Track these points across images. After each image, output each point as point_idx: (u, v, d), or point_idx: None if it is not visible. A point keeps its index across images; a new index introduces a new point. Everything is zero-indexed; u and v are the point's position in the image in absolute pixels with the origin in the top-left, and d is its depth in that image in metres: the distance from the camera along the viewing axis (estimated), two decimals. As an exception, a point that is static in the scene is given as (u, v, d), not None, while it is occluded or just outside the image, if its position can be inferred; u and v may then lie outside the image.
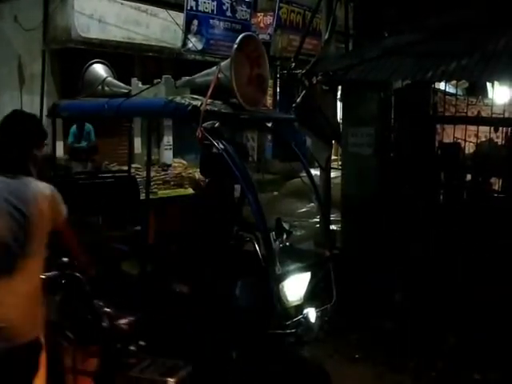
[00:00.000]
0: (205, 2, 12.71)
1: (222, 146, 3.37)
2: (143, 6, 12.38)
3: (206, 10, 12.82)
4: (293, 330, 3.41)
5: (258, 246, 3.73)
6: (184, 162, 12.97)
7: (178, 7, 12.50)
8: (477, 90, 9.12)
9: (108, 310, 3.04)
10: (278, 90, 15.69)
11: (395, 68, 5.67)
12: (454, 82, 6.45)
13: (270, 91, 13.73)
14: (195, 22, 12.61)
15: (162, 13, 12.54)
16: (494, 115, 6.54)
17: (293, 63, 6.62)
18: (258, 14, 14.96)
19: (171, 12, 12.50)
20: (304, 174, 4.18)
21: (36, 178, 2.74)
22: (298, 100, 6.08)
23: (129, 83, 4.44)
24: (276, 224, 3.80)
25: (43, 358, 2.78)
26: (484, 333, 4.88)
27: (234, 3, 13.58)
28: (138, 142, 12.09)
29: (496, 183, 6.74)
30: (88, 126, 10.42)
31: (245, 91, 3.64)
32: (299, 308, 3.54)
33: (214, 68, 3.71)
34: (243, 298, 3.61)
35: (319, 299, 3.78)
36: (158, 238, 4.15)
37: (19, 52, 12.19)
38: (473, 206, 5.82)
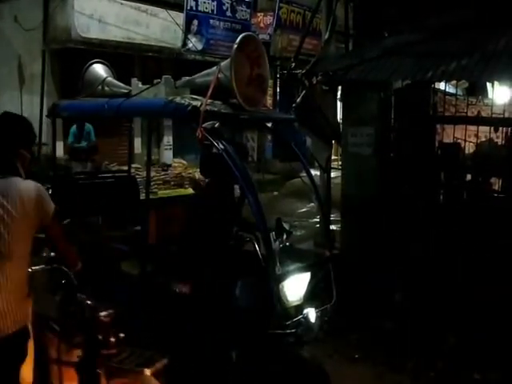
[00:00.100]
0: (205, 2, 12.72)
1: (221, 146, 3.38)
2: (143, 6, 12.38)
3: (206, 10, 12.83)
4: (293, 330, 3.42)
5: (258, 246, 3.73)
6: (184, 162, 12.97)
7: (178, 7, 12.51)
8: (477, 90, 9.12)
9: (89, 302, 3.11)
10: (278, 90, 15.69)
11: (395, 68, 5.67)
12: (453, 82, 6.45)
13: (269, 91, 13.73)
14: (195, 22, 12.62)
15: (161, 13, 12.54)
16: (493, 115, 6.54)
17: (293, 63, 6.62)
18: (258, 14, 14.96)
19: (171, 12, 12.50)
20: (304, 174, 4.18)
21: (24, 178, 2.80)
22: (298, 100, 6.08)
23: (129, 83, 4.45)
24: (276, 224, 3.80)
25: (30, 348, 2.89)
26: (484, 333, 4.88)
27: (234, 3, 13.59)
28: (137, 142, 12.10)
29: (496, 183, 6.73)
30: (88, 126, 10.41)
31: (245, 91, 3.64)
32: (299, 308, 3.54)
33: (214, 68, 3.72)
34: (243, 298, 3.61)
35: (319, 299, 3.78)
36: (157, 238, 4.15)
37: (19, 52, 12.20)
38: (473, 206, 5.81)
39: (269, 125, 4.54)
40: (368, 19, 6.86)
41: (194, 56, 13.01)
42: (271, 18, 14.83)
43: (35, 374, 3.18)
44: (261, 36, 13.68)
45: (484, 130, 6.65)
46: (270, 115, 4.51)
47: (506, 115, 6.44)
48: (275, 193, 13.15)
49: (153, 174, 10.22)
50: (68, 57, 11.55)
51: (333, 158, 8.20)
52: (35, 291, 2.92)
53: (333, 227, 6.95)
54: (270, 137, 14.75)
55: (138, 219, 4.56)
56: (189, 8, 12.32)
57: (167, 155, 13.59)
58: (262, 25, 14.96)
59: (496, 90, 7.07)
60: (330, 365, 4.01)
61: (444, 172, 6.27)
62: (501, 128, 7.43)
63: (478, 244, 5.45)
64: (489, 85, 8.89)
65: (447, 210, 5.97)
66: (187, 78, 4.10)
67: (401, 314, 5.38)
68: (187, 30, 12.48)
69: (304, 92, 6.09)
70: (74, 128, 10.40)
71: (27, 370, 2.91)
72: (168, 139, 13.65)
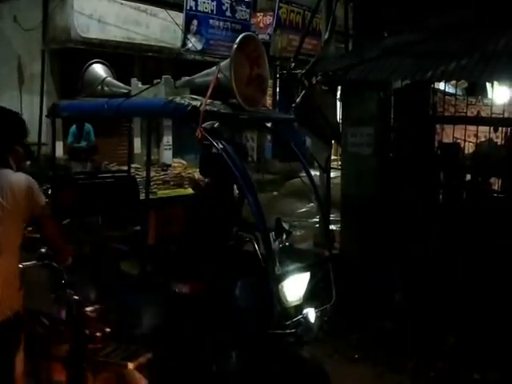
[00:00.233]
0: (204, 2, 12.71)
1: (221, 146, 3.38)
2: (143, 6, 12.38)
3: (206, 10, 12.82)
4: (292, 330, 3.42)
5: (258, 246, 3.73)
6: (184, 162, 12.97)
7: (178, 7, 12.51)
8: (476, 90, 9.12)
9: (77, 297, 3.16)
10: (278, 90, 15.68)
11: (395, 68, 5.67)
12: (453, 82, 6.45)
13: (269, 91, 13.72)
14: (195, 21, 12.61)
15: (161, 13, 12.54)
16: (493, 115, 6.54)
17: (292, 63, 6.62)
18: (258, 14, 14.95)
19: (171, 12, 12.50)
20: (304, 174, 4.18)
21: (16, 170, 2.83)
22: (298, 100, 6.07)
23: (128, 83, 4.45)
24: (276, 224, 3.80)
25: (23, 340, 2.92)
26: (484, 333, 4.88)
27: (234, 3, 13.58)
28: (137, 142, 12.09)
29: (495, 183, 6.73)
30: (88, 126, 10.40)
31: (244, 91, 3.64)
32: (299, 308, 3.54)
33: (214, 68, 3.72)
34: (243, 298, 3.61)
35: (319, 299, 3.78)
36: (157, 238, 4.15)
37: (19, 52, 12.19)
38: (472, 206, 5.82)
39: (268, 125, 4.54)
40: (368, 19, 6.86)
41: (194, 56, 13.01)
42: (271, 17, 14.83)
43: (26, 368, 3.20)
44: (260, 36, 13.67)
45: (483, 129, 6.66)
46: (269, 115, 4.51)
47: (506, 115, 6.45)
48: (275, 193, 13.14)
49: (152, 174, 10.20)
50: (68, 57, 11.54)
51: (332, 157, 8.20)
52: (26, 286, 2.94)
53: (332, 227, 6.94)
54: (269, 137, 14.75)
55: (138, 219, 4.56)
56: (188, 8, 12.32)
57: (167, 155, 13.58)
58: (261, 25, 14.96)
59: (495, 90, 7.08)
60: (329, 365, 4.01)
61: (443, 172, 6.28)
62: (500, 128, 7.44)
63: (478, 244, 5.45)
64: (488, 85, 8.89)
65: (447, 210, 5.97)
66: (187, 78, 4.10)
67: (401, 314, 5.37)
68: (187, 30, 12.48)
69: (304, 92, 6.08)
70: (73, 128, 10.39)
71: (18, 364, 2.92)
72: (168, 139, 13.64)
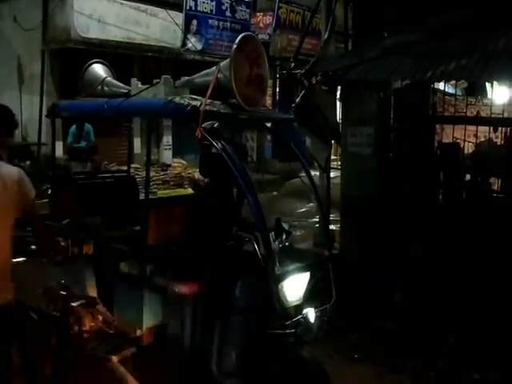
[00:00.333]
0: (204, 2, 12.72)
1: (221, 146, 3.38)
2: (143, 6, 12.38)
3: (205, 10, 12.83)
4: (292, 330, 3.42)
5: (258, 246, 3.72)
6: (183, 162, 12.96)
7: (178, 7, 12.51)
8: (476, 90, 9.12)
9: (64, 293, 3.21)
10: (278, 90, 15.68)
11: (394, 68, 5.67)
12: (453, 82, 6.45)
13: (269, 91, 13.72)
14: (194, 21, 12.62)
15: (161, 13, 12.54)
16: (493, 115, 6.55)
17: (292, 63, 6.62)
18: (258, 14, 14.96)
19: (171, 12, 12.51)
20: (303, 174, 4.18)
21: (6, 162, 2.90)
22: (298, 100, 6.07)
23: (128, 83, 4.45)
24: (275, 224, 3.80)
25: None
26: (484, 333, 4.88)
27: (234, 3, 13.59)
28: (137, 142, 12.08)
29: (495, 183, 6.73)
30: (87, 126, 10.40)
31: (244, 91, 3.64)
32: (298, 308, 3.54)
33: (214, 68, 3.72)
34: (243, 298, 3.61)
35: (319, 299, 3.78)
36: (157, 238, 4.15)
37: (19, 52, 12.20)
38: (472, 206, 5.82)
39: (268, 125, 4.54)
40: (367, 19, 6.85)
41: (194, 56, 13.01)
42: (270, 17, 14.83)
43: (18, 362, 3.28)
44: (260, 36, 13.67)
45: (483, 129, 6.66)
46: (269, 115, 4.51)
47: (505, 115, 6.45)
48: (275, 193, 13.14)
49: (152, 174, 10.20)
50: (67, 57, 11.55)
51: (332, 157, 8.19)
52: (16, 281, 2.97)
53: (332, 227, 6.94)
54: (269, 137, 14.75)
55: (138, 219, 4.56)
56: (188, 8, 12.32)
57: (167, 155, 13.58)
58: (261, 25, 14.96)
59: (495, 90, 7.08)
60: (329, 365, 4.01)
61: (443, 172, 6.28)
62: (500, 128, 7.43)
63: (478, 244, 5.45)
64: (488, 85, 8.89)
65: (447, 210, 5.97)
66: (186, 78, 4.10)
67: (401, 314, 5.38)
68: (186, 30, 12.48)
69: (303, 92, 6.08)
70: (73, 128, 10.39)
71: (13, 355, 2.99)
72: (167, 139, 13.64)
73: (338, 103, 7.10)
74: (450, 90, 7.35)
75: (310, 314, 3.54)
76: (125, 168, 5.58)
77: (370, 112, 6.19)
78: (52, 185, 4.91)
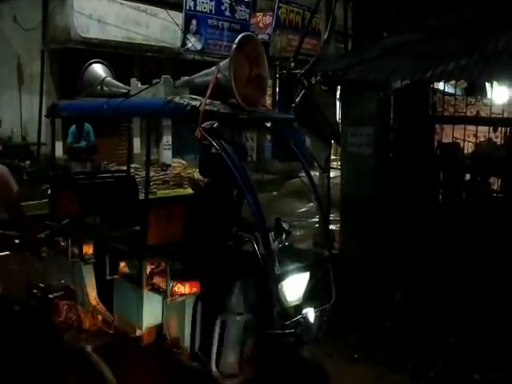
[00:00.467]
0: (203, 2, 12.72)
1: (220, 146, 3.37)
2: (142, 6, 12.39)
3: (205, 10, 12.83)
4: (292, 330, 3.42)
5: (257, 246, 3.72)
6: (183, 161, 12.94)
7: (178, 7, 12.52)
8: (476, 90, 9.11)
9: (42, 285, 3.27)
10: (278, 90, 15.68)
11: (394, 68, 5.67)
12: (452, 81, 6.45)
13: (269, 91, 13.73)
14: (194, 21, 12.62)
15: (161, 13, 12.55)
16: (492, 115, 6.55)
17: (292, 63, 6.62)
18: (257, 14, 14.96)
19: (170, 12, 12.51)
20: (303, 174, 4.18)
21: None
22: (297, 100, 6.07)
23: (128, 83, 4.45)
24: (275, 224, 3.80)
25: None
26: (484, 333, 4.87)
27: (233, 3, 13.59)
28: (137, 142, 12.08)
29: (495, 183, 6.73)
30: (87, 126, 10.39)
31: (244, 91, 3.64)
32: (298, 308, 3.54)
33: (213, 68, 3.71)
34: (243, 298, 3.60)
35: (318, 299, 3.78)
36: (156, 238, 4.15)
37: (18, 52, 12.20)
38: (472, 206, 5.81)
39: (268, 125, 4.53)
40: (367, 19, 6.85)
41: (193, 56, 13.01)
42: (270, 17, 14.83)
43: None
44: (260, 36, 13.67)
45: (483, 129, 6.66)
46: (269, 115, 4.50)
47: (505, 115, 6.45)
48: (274, 193, 13.14)
49: (152, 173, 10.18)
50: (67, 57, 11.55)
51: (332, 157, 8.19)
52: (1, 274, 3.00)
53: (332, 227, 6.95)
54: (269, 137, 14.74)
55: (137, 219, 4.56)
56: (188, 8, 12.33)
57: (166, 155, 13.58)
58: (261, 25, 14.96)
59: (495, 90, 7.08)
60: (329, 365, 4.01)
61: (443, 172, 6.28)
62: (500, 128, 7.43)
63: (478, 244, 5.45)
64: (488, 85, 8.89)
65: (446, 209, 5.97)
66: (186, 77, 4.09)
67: (401, 314, 5.37)
68: (186, 30, 12.49)
69: (303, 92, 6.08)
70: (73, 128, 10.38)
71: None
72: (167, 139, 13.64)
73: (338, 103, 7.10)
74: (449, 89, 7.35)
75: (310, 314, 3.54)
76: (124, 168, 5.59)
77: (369, 112, 6.19)
78: (52, 185, 4.91)
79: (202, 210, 4.04)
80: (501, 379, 4.61)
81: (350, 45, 7.55)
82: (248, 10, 14.07)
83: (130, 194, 4.97)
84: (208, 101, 3.52)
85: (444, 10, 6.19)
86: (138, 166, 10.12)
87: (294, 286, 3.50)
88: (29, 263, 3.32)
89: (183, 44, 12.56)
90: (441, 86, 6.84)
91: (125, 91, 4.28)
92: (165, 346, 3.95)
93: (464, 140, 6.41)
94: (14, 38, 12.21)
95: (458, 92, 7.77)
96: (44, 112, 10.60)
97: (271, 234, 3.48)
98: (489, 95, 8.77)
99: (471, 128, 6.48)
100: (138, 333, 3.94)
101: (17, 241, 3.22)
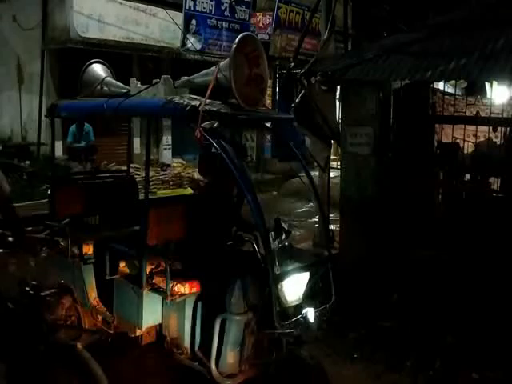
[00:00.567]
0: (203, 2, 12.71)
1: (220, 146, 3.38)
2: (142, 6, 12.38)
3: (204, 10, 12.82)
4: (291, 330, 3.42)
5: (257, 245, 3.73)
6: (183, 161, 12.97)
7: (177, 7, 12.50)
8: (475, 90, 9.12)
9: (34, 282, 3.28)
10: (277, 89, 15.68)
11: (394, 68, 5.67)
12: (452, 81, 6.45)
13: (269, 91, 13.72)
14: (193, 21, 12.61)
15: (161, 12, 12.53)
16: (492, 115, 6.55)
17: (292, 63, 6.63)
18: (257, 14, 14.94)
19: (170, 12, 12.49)
20: (303, 174, 4.18)
21: None
22: (297, 100, 6.08)
23: (128, 83, 4.45)
24: (275, 224, 3.80)
25: None
26: (483, 332, 4.88)
27: (233, 3, 13.57)
28: (137, 142, 12.09)
29: (495, 183, 6.74)
30: (87, 126, 10.40)
31: (244, 91, 3.65)
32: (298, 308, 3.54)
33: (213, 68, 3.72)
34: (242, 298, 3.61)
35: (318, 299, 3.78)
36: (156, 238, 4.15)
37: (18, 52, 12.19)
38: (472, 206, 5.82)
39: (268, 124, 4.54)
40: (367, 19, 6.86)
41: (193, 56, 13.00)
42: (270, 17, 14.82)
43: None
44: (260, 36, 13.67)
45: (483, 129, 6.66)
46: (268, 115, 4.51)
47: (505, 115, 6.45)
48: (274, 193, 13.13)
49: (152, 173, 10.21)
50: (67, 56, 11.54)
51: (332, 157, 8.20)
52: None
53: (332, 227, 6.95)
54: (269, 136, 14.75)
55: (137, 219, 4.56)
56: (187, 8, 12.32)
57: (166, 155, 13.59)
58: (260, 24, 14.95)
59: (495, 90, 7.08)
60: (328, 364, 4.02)
61: (443, 172, 6.28)
62: (499, 128, 7.44)
63: (478, 244, 5.45)
64: (487, 84, 8.89)
65: (446, 209, 5.97)
66: (186, 77, 4.10)
67: (399, 314, 5.38)
68: (186, 30, 12.47)
69: (303, 92, 6.09)
70: (73, 128, 10.39)
71: None
72: (167, 139, 13.64)
73: (338, 103, 7.11)
74: (449, 89, 7.36)
75: (310, 313, 3.54)
76: (124, 168, 5.59)
77: (369, 112, 6.19)
78: (52, 185, 4.91)
79: (202, 209, 4.05)
80: (499, 379, 4.61)
81: (349, 44, 7.57)
82: (248, 10, 14.06)
83: (130, 193, 4.98)
84: (208, 101, 3.52)
85: (444, 10, 6.20)
86: (137, 165, 10.14)
87: (294, 285, 3.50)
88: (23, 261, 3.33)
89: (183, 44, 12.56)
90: (440, 85, 6.86)
91: (124, 91, 4.28)
92: (164, 345, 3.96)
93: (464, 140, 6.42)
94: (13, 38, 12.21)
95: (458, 92, 7.77)
96: (44, 112, 10.62)
97: (271, 234, 3.49)
98: (488, 95, 8.77)
99: (471, 128, 6.48)
100: (138, 332, 3.94)
101: (10, 239, 3.24)
